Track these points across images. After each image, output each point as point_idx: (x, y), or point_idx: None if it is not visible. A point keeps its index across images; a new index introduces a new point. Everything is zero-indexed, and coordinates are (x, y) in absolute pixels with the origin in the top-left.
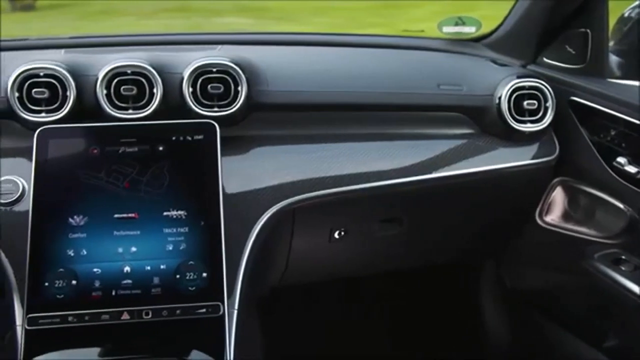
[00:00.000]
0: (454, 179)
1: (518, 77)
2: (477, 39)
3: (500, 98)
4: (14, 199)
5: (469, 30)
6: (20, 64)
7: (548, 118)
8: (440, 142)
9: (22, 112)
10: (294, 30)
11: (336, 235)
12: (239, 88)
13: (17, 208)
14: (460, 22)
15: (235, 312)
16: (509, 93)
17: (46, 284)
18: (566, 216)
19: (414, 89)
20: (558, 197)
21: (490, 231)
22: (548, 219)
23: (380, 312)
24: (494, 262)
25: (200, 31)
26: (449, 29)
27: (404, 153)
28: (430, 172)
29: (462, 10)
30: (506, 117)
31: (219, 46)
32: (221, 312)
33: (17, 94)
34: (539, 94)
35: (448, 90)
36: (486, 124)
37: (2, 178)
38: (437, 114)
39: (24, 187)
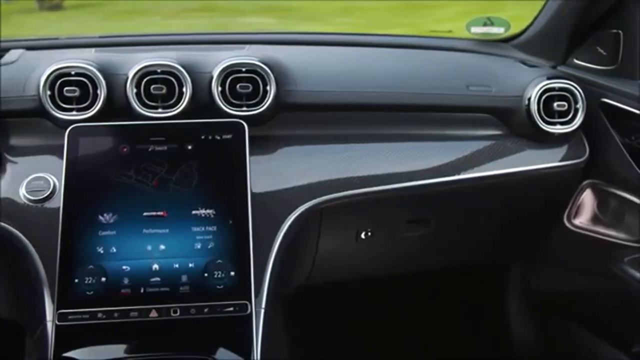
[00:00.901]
0: (482, 181)
1: (548, 78)
2: (506, 40)
3: (529, 99)
4: (45, 196)
5: (498, 30)
6: (52, 62)
7: (578, 120)
8: (468, 143)
9: (53, 110)
10: (318, 30)
11: (363, 235)
12: (268, 88)
13: (48, 205)
14: (489, 22)
15: (262, 311)
16: (538, 94)
17: (76, 280)
18: (595, 219)
19: (442, 90)
20: (587, 199)
21: (518, 233)
22: (577, 221)
23: (404, 313)
24: (520, 264)
25: (228, 31)
26: (477, 30)
27: (432, 154)
28: (458, 174)
29: (488, 10)
30: (535, 118)
31: (247, 46)
32: (249, 311)
33: (49, 93)
34: (569, 95)
35: (477, 91)
36: (515, 125)
37: (34, 175)
38: (466, 115)
39: (54, 185)
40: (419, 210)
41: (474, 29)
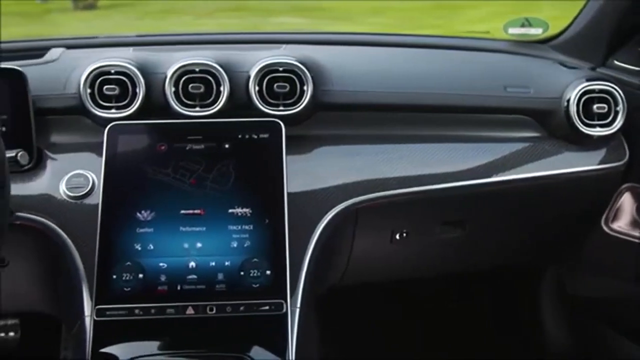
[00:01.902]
0: (519, 183)
1: (587, 80)
2: (544, 41)
3: (568, 101)
4: (84, 192)
5: (536, 31)
6: (92, 61)
7: (618, 122)
8: (505, 145)
9: (93, 108)
10: (350, 30)
11: (397, 236)
12: (305, 87)
13: (87, 201)
14: (527, 23)
15: (298, 310)
16: (577, 96)
17: (114, 276)
18: (634, 223)
19: (480, 91)
20: (626, 203)
21: (554, 236)
22: (615, 225)
23: (437, 314)
24: (555, 267)
25: (264, 31)
26: (514, 30)
27: (469, 155)
28: (494, 176)
29: (521, 11)
30: (574, 120)
31: (284, 45)
32: (284, 310)
33: (89, 91)
34: (609, 97)
35: (515, 93)
36: (553, 127)
37: (73, 172)
38: (503, 117)
39: (93, 182)
40: (455, 212)
41: (512, 30)
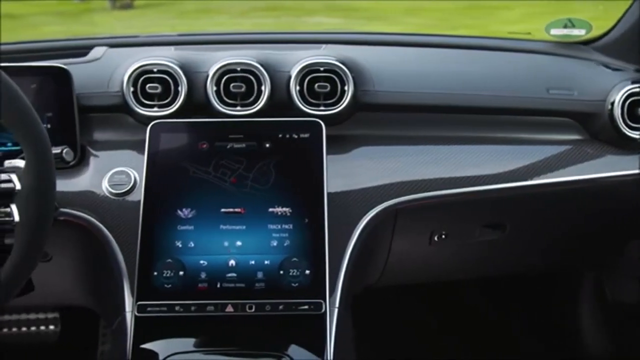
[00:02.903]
0: (560, 186)
1: (633, 82)
2: (587, 42)
3: (613, 104)
4: (126, 189)
5: (579, 32)
6: (134, 60)
7: None
8: (547, 147)
9: (135, 106)
10: (385, 30)
11: (436, 238)
12: (346, 87)
13: (129, 198)
14: (570, 24)
15: (336, 310)
16: (622, 99)
17: (155, 273)
18: None
19: (522, 93)
20: None
21: (595, 241)
22: None
23: (473, 317)
24: (595, 273)
25: (302, 30)
26: (557, 31)
27: (510, 158)
28: (535, 178)
29: (555, 11)
30: (619, 123)
31: (323, 45)
32: (323, 310)
33: (132, 89)
34: None
35: (558, 95)
36: (597, 130)
37: (116, 169)
38: (545, 119)
39: (135, 179)
40: (496, 214)
41: (554, 31)
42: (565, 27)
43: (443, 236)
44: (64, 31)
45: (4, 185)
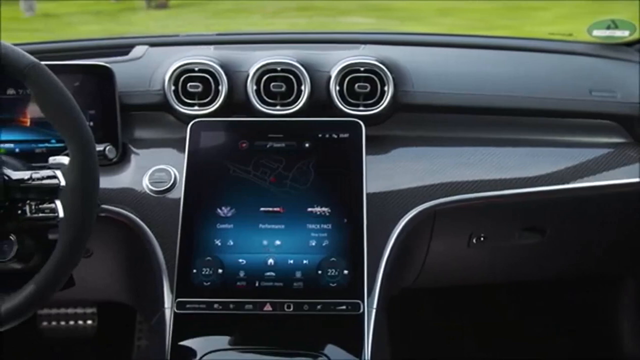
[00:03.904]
0: (602, 190)
1: None
2: (630, 44)
3: None
4: (166, 187)
5: (622, 34)
6: (175, 59)
7: None
8: (589, 150)
9: (176, 104)
10: (419, 30)
11: (474, 240)
12: (386, 88)
13: (169, 196)
14: (613, 25)
15: (374, 311)
16: None
17: (194, 271)
18: None
19: (564, 95)
20: None
21: (636, 246)
22: None
23: (510, 321)
24: (636, 278)
25: (341, 30)
26: (599, 33)
27: (551, 160)
28: (576, 182)
29: (592, 12)
30: None
31: (362, 45)
32: (361, 310)
33: (173, 88)
34: None
35: (601, 97)
36: None
37: (156, 167)
38: (587, 121)
39: (175, 177)
40: (535, 217)
41: (597, 32)
42: (608, 28)
43: (482, 239)
44: (100, 30)
45: (48, 181)
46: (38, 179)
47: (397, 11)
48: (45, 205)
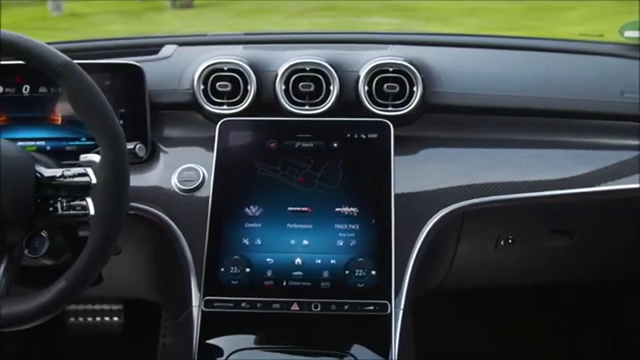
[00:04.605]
0: (632, 193)
1: None
2: None
3: None
4: (195, 186)
5: None
6: (204, 58)
7: None
8: (620, 153)
9: (205, 103)
10: (443, 31)
11: (502, 242)
12: (415, 88)
13: (197, 195)
14: None
15: (401, 312)
16: None
17: (222, 269)
18: None
19: (594, 96)
20: None
21: None
22: None
23: (537, 325)
24: None
25: (368, 30)
26: (631, 34)
27: (581, 162)
28: (607, 184)
29: (618, 12)
30: None
31: (390, 46)
32: (388, 311)
33: (202, 87)
34: None
35: (633, 99)
36: None
37: (185, 166)
38: (618, 123)
39: (204, 176)
40: (564, 220)
41: (628, 33)
42: None
43: (510, 241)
44: (125, 29)
45: (80, 179)
46: (69, 176)
47: (420, 11)
48: (76, 203)
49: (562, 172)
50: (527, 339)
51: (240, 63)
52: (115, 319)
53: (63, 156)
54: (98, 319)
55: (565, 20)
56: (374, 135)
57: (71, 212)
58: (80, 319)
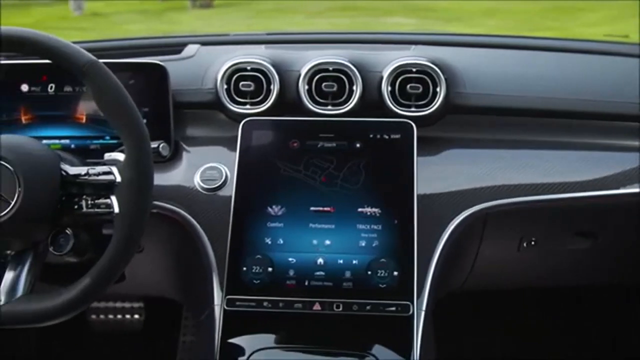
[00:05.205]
0: None
1: None
2: None
3: None
4: (217, 185)
5: None
6: (227, 58)
7: None
8: None
9: (228, 103)
10: (463, 31)
11: (525, 244)
12: (438, 89)
13: (220, 194)
14: None
15: (423, 313)
16: None
17: (244, 268)
18: None
19: (618, 98)
20: None
21: None
22: None
23: (557, 327)
24: None
25: (391, 31)
26: None
27: (605, 164)
28: (630, 187)
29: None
30: None
31: (412, 46)
32: (410, 312)
33: (225, 86)
34: None
35: None
36: None
37: (207, 165)
38: None
39: (226, 175)
40: (588, 222)
41: None
42: None
43: (532, 243)
44: (145, 29)
45: (104, 177)
46: (94, 174)
47: (440, 12)
48: (100, 201)
49: (586, 174)
50: (544, 342)
51: (264, 63)
52: (136, 316)
53: (87, 154)
54: (119, 316)
55: (585, 21)
56: (397, 136)
57: (95, 210)
58: (102, 316)
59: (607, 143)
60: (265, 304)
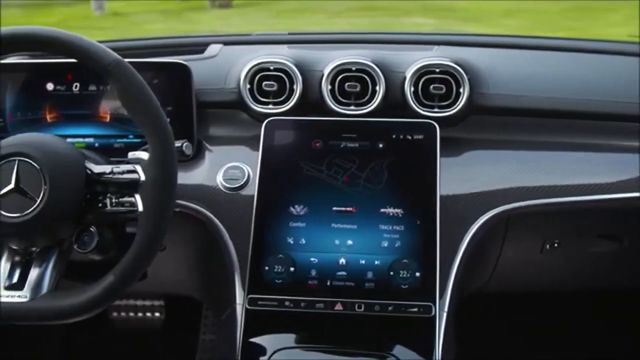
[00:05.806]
0: None
1: None
2: None
3: None
4: (240, 184)
5: None
6: (250, 58)
7: None
8: None
9: (251, 102)
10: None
11: (548, 246)
12: (461, 90)
13: (242, 193)
14: None
15: (445, 314)
16: None
17: (266, 268)
18: None
19: None
20: None
21: None
22: None
23: (580, 331)
24: None
25: (413, 31)
26: None
27: (630, 167)
28: None
29: None
30: None
31: (435, 47)
32: (433, 313)
33: (248, 86)
34: None
35: None
36: None
37: (230, 164)
38: None
39: (249, 174)
40: (612, 225)
41: None
42: None
43: (555, 245)
44: (166, 28)
45: (128, 175)
46: (118, 173)
47: (459, 12)
48: (124, 199)
49: (611, 176)
50: (566, 345)
51: (287, 63)
52: (157, 314)
53: (111, 153)
54: (140, 314)
55: (607, 21)
56: (420, 136)
57: (120, 208)
58: (123, 314)
59: (631, 145)
60: (287, 303)
